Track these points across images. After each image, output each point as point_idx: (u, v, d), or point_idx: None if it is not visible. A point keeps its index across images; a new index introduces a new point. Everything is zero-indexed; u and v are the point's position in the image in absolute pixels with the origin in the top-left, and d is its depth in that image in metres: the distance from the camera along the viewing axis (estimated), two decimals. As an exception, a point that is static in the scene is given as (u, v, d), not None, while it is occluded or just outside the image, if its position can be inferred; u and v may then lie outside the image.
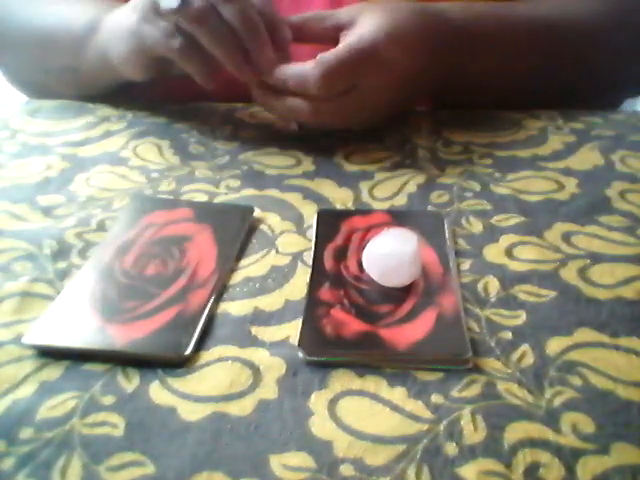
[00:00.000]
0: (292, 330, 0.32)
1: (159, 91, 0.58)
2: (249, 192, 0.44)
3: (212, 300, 0.33)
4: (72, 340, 0.31)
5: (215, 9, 0.44)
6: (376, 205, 0.42)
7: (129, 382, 0.29)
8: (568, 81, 0.54)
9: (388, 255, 0.33)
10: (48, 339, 0.31)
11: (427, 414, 0.27)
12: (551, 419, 0.27)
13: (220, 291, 0.34)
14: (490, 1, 0.53)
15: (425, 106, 0.55)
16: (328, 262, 0.36)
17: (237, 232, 0.39)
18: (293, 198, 0.43)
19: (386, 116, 0.50)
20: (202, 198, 0.43)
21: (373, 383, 0.29)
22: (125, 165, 0.48)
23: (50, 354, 0.31)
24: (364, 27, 0.46)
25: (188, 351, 0.30)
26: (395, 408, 0.28)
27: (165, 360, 0.30)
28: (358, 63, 0.44)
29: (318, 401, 0.28)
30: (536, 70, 0.53)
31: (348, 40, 0.45)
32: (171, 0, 0.45)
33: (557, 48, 0.53)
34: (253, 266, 0.37)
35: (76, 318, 0.32)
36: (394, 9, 0.47)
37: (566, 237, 0.38)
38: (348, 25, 0.47)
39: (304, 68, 0.45)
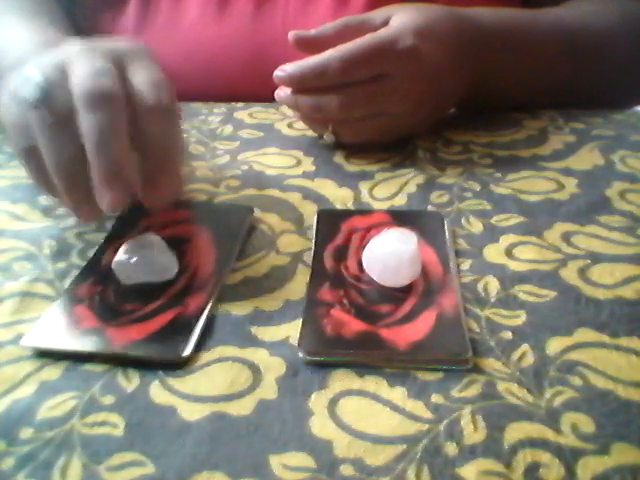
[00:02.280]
0: (292, 330, 0.32)
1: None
2: (249, 192, 0.44)
3: (211, 303, 0.33)
4: (70, 343, 0.31)
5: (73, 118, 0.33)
6: (376, 205, 0.42)
7: (129, 382, 0.29)
8: (585, 89, 0.55)
9: (388, 255, 0.33)
10: (46, 342, 0.31)
11: (427, 414, 0.27)
12: (551, 419, 0.27)
13: (220, 291, 0.34)
14: (515, 8, 0.54)
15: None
16: (328, 262, 0.36)
17: (237, 233, 0.38)
18: (293, 198, 0.43)
19: (420, 118, 0.49)
20: (202, 198, 0.43)
21: (373, 383, 0.29)
22: (125, 165, 0.47)
23: (49, 355, 0.31)
24: (395, 22, 0.46)
25: (186, 353, 0.30)
26: (395, 408, 0.28)
27: (163, 363, 0.30)
28: (384, 48, 0.44)
29: (318, 401, 0.28)
30: (557, 77, 0.53)
31: (377, 31, 0.45)
32: (30, 88, 0.33)
33: (578, 57, 0.53)
34: (253, 266, 0.37)
35: (74, 320, 0.32)
36: (426, 8, 0.48)
37: (566, 237, 0.38)
38: (383, 26, 0.46)
39: (323, 55, 0.44)
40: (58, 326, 0.32)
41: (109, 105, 0.33)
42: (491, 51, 0.49)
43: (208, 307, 0.33)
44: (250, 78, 0.59)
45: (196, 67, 0.60)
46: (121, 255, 0.34)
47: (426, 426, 0.27)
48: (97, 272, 0.36)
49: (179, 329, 0.31)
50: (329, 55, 0.44)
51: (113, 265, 0.34)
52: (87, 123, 0.33)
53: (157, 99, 0.35)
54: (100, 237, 0.39)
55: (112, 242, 0.38)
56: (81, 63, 0.34)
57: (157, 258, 0.34)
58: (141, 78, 0.36)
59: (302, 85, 0.46)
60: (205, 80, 0.60)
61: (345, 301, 0.33)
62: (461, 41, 0.48)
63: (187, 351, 0.30)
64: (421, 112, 0.48)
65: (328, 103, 0.45)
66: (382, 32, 0.45)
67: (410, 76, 0.45)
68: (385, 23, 0.47)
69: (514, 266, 0.36)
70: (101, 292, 0.34)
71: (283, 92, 0.47)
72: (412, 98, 0.46)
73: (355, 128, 0.47)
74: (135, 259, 0.33)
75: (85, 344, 0.31)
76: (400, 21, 0.46)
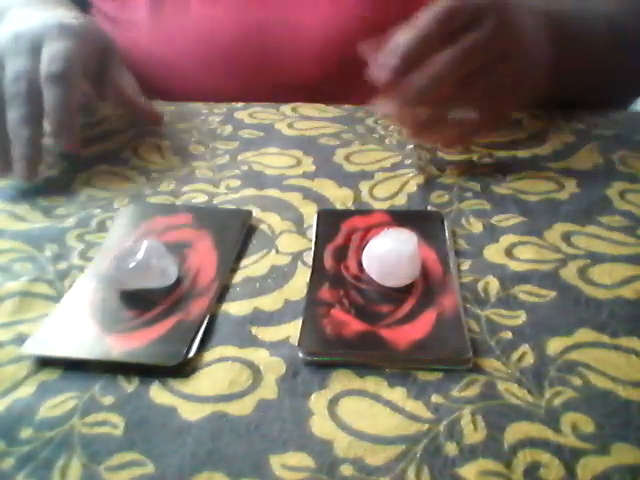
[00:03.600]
0: (292, 330, 0.32)
1: (159, 90, 0.58)
2: (249, 192, 0.44)
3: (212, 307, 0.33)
4: (71, 350, 0.31)
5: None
6: (376, 205, 0.42)
7: (129, 382, 0.29)
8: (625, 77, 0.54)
9: (388, 255, 0.33)
10: (47, 349, 0.31)
11: (427, 414, 0.27)
12: (551, 419, 0.27)
13: (220, 292, 0.34)
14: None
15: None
16: (328, 262, 0.36)
17: (237, 238, 0.38)
18: (293, 198, 0.43)
19: (520, 91, 0.45)
20: (202, 198, 0.43)
21: (373, 383, 0.29)
22: (125, 165, 0.48)
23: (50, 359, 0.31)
24: None
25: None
26: (395, 408, 0.28)
27: (162, 369, 0.30)
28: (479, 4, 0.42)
29: (318, 401, 0.28)
30: (611, 68, 0.52)
31: None
32: None
33: (623, 47, 0.52)
34: (253, 266, 0.37)
35: (75, 328, 0.32)
36: None
37: (566, 237, 0.38)
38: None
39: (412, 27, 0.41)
40: (59, 333, 0.32)
41: (23, 104, 0.43)
42: (563, 42, 0.47)
43: (209, 314, 0.33)
44: (259, 63, 0.59)
45: (206, 54, 0.60)
46: (120, 261, 0.34)
47: (426, 426, 0.27)
48: (97, 278, 0.35)
49: (180, 336, 0.31)
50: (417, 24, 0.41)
51: (112, 271, 0.34)
52: (8, 117, 0.44)
53: (45, 71, 0.44)
54: (100, 238, 0.39)
55: (112, 247, 0.37)
56: (9, 62, 0.45)
57: (156, 264, 0.34)
58: (44, 55, 0.45)
59: (411, 59, 0.41)
60: (217, 68, 0.60)
61: (345, 301, 0.33)
62: (540, 24, 0.46)
63: (188, 358, 0.30)
64: (530, 63, 0.45)
65: (441, 63, 0.40)
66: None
67: (511, 14, 0.43)
68: None
69: (514, 266, 0.36)
70: (102, 298, 0.34)
71: (383, 102, 0.43)
72: (527, 34, 0.43)
73: (490, 81, 0.43)
74: (133, 265, 0.33)
75: (86, 352, 0.30)
76: None
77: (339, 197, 0.43)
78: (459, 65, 0.41)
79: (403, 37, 0.41)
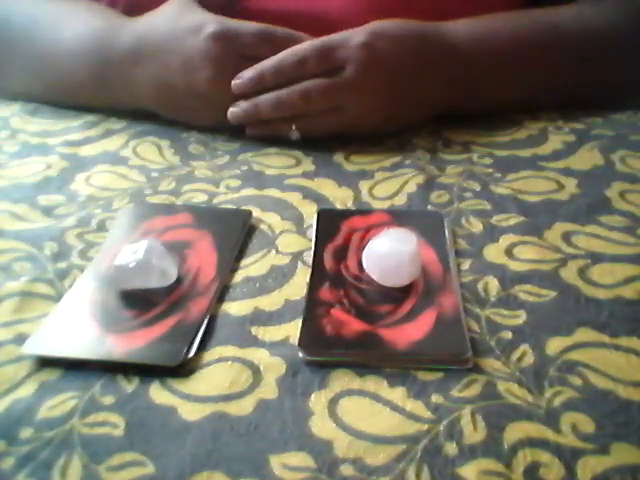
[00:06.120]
0: (292, 330, 0.32)
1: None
2: (249, 192, 0.44)
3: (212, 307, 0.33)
4: (71, 350, 0.31)
5: None
6: (376, 205, 0.42)
7: (129, 382, 0.29)
8: (588, 90, 0.54)
9: (388, 255, 0.33)
10: (47, 349, 0.31)
11: (427, 414, 0.27)
12: (551, 419, 0.27)
13: (220, 291, 0.34)
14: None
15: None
16: (328, 262, 0.36)
17: (237, 238, 0.38)
18: (293, 198, 0.43)
19: (385, 115, 0.49)
20: (202, 198, 0.43)
21: (373, 383, 0.29)
22: (125, 165, 0.48)
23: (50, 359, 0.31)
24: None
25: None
26: (395, 408, 0.28)
27: (163, 369, 0.30)
28: (337, 42, 0.46)
29: (318, 401, 0.28)
30: (558, 80, 0.53)
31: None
32: None
33: (579, 59, 0.53)
34: (253, 266, 0.37)
35: (75, 327, 0.32)
36: (390, 20, 0.49)
37: (566, 237, 0.38)
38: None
39: (279, 54, 0.47)
40: (59, 333, 0.32)
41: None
42: (471, 65, 0.50)
43: (209, 313, 0.33)
44: None
45: None
46: (120, 260, 0.34)
47: (426, 426, 0.27)
48: (97, 277, 0.35)
49: (181, 335, 0.31)
50: (285, 53, 0.46)
51: (112, 270, 0.34)
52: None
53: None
54: (100, 237, 0.39)
55: (112, 247, 0.37)
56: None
57: (156, 263, 0.34)
58: None
59: (262, 85, 0.47)
60: None
61: (345, 301, 0.33)
62: (426, 49, 0.49)
63: (188, 358, 0.30)
64: (386, 108, 0.49)
65: (289, 96, 0.46)
66: (337, 33, 0.47)
67: (364, 69, 0.46)
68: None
69: (514, 266, 0.36)
70: (102, 298, 0.34)
71: (237, 107, 0.48)
72: (369, 91, 0.47)
73: (318, 122, 0.48)
74: (134, 264, 0.33)
75: (86, 352, 0.30)
76: (358, 28, 0.48)
77: (339, 197, 0.43)
78: (303, 102, 0.46)
79: (274, 57, 0.47)
